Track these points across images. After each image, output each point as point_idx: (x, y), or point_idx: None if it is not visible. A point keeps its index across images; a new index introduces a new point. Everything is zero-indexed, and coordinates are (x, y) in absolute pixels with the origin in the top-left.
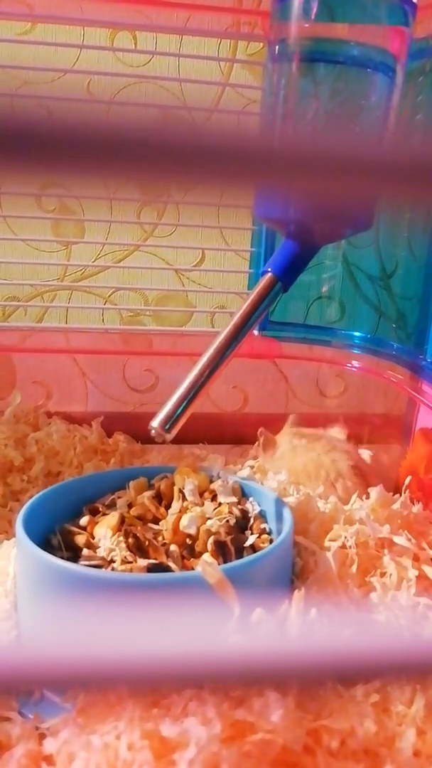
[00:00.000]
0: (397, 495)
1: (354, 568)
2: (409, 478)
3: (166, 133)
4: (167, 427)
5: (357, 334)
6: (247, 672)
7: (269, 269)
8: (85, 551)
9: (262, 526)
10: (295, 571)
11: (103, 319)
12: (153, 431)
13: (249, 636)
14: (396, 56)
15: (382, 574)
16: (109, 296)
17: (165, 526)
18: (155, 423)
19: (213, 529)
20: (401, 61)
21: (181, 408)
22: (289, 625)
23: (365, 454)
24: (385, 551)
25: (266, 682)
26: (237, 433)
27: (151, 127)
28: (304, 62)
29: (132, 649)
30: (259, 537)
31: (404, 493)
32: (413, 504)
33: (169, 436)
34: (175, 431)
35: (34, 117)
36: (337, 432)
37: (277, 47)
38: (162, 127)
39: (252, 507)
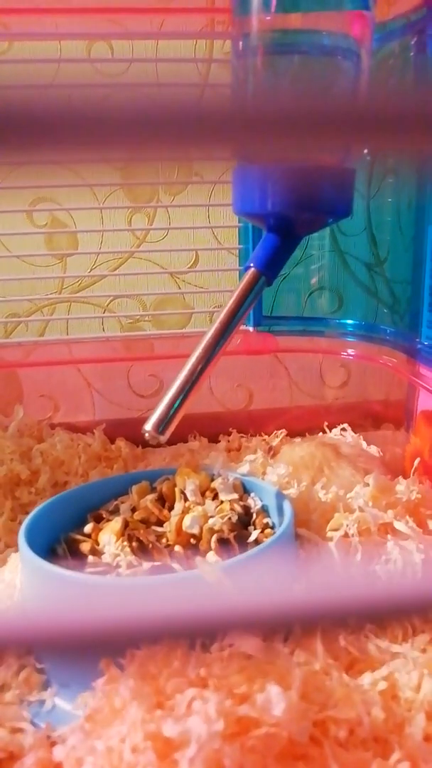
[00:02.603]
0: (399, 479)
1: (358, 556)
2: (417, 460)
3: (142, 107)
4: (161, 429)
5: (350, 321)
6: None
7: (251, 264)
8: (91, 558)
9: (265, 520)
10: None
11: (103, 328)
12: (147, 434)
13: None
14: (359, 41)
15: (387, 561)
16: (107, 305)
17: (168, 527)
18: (148, 426)
19: (216, 528)
20: (365, 46)
21: (174, 409)
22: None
23: (372, 448)
24: (389, 537)
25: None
26: (243, 431)
27: (127, 103)
28: (267, 55)
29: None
30: (262, 532)
31: (412, 476)
32: (421, 485)
33: (164, 438)
34: (168, 433)
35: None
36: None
37: (240, 43)
38: (138, 102)
39: (254, 502)
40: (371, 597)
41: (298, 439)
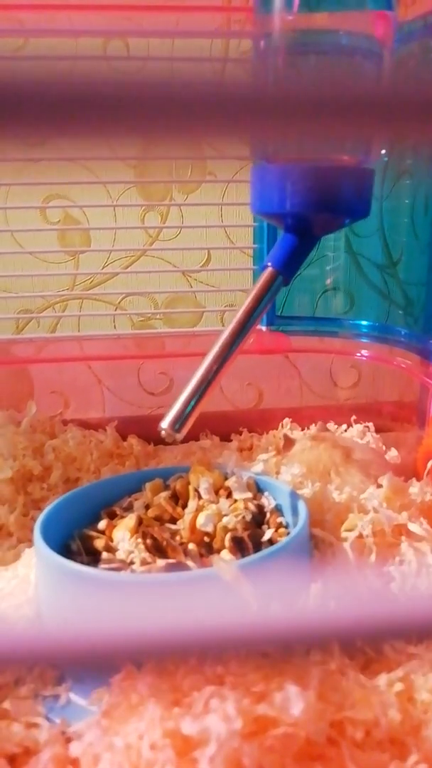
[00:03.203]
0: (413, 480)
1: (372, 557)
2: (431, 462)
3: (159, 87)
4: (177, 427)
5: (364, 323)
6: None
7: (269, 263)
8: (105, 555)
9: (279, 519)
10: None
11: (114, 326)
12: (163, 432)
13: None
14: (381, 41)
15: (401, 562)
16: (119, 302)
17: (182, 525)
18: (164, 424)
19: (230, 526)
20: (387, 46)
21: (190, 407)
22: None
23: (392, 452)
24: (403, 538)
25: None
26: (253, 430)
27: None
28: (289, 55)
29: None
30: (276, 531)
31: (426, 478)
32: None
33: (179, 436)
34: (185, 431)
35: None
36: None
37: (262, 42)
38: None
39: (267, 501)
40: (385, 614)
41: (313, 428)
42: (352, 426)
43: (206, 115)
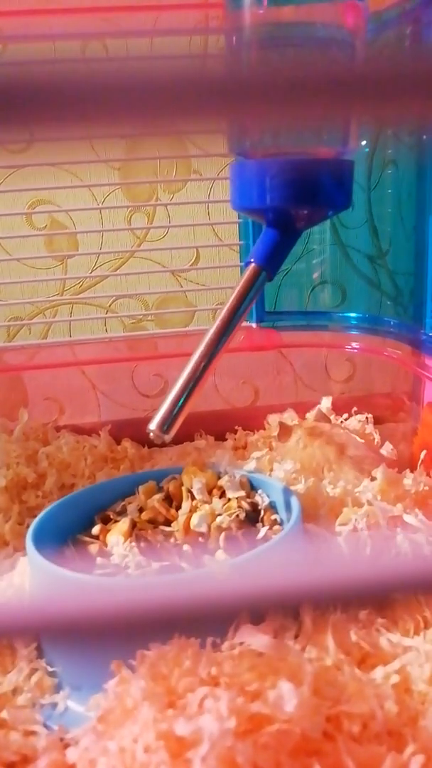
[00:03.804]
0: (407, 472)
1: (368, 550)
2: (424, 452)
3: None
4: (165, 428)
5: (353, 315)
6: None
7: (251, 259)
8: (99, 560)
9: (273, 517)
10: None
11: (106, 329)
12: (151, 434)
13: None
14: (353, 32)
15: (397, 555)
16: (109, 305)
17: (177, 527)
18: (153, 425)
19: (224, 525)
20: (360, 36)
21: (177, 408)
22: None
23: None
24: (398, 530)
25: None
26: (249, 428)
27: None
28: (261, 50)
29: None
30: (270, 528)
31: (420, 468)
32: (430, 477)
33: (168, 438)
34: (173, 432)
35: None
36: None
37: (234, 38)
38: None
39: (261, 499)
40: (378, 575)
41: (311, 415)
42: (352, 416)
43: (183, 100)
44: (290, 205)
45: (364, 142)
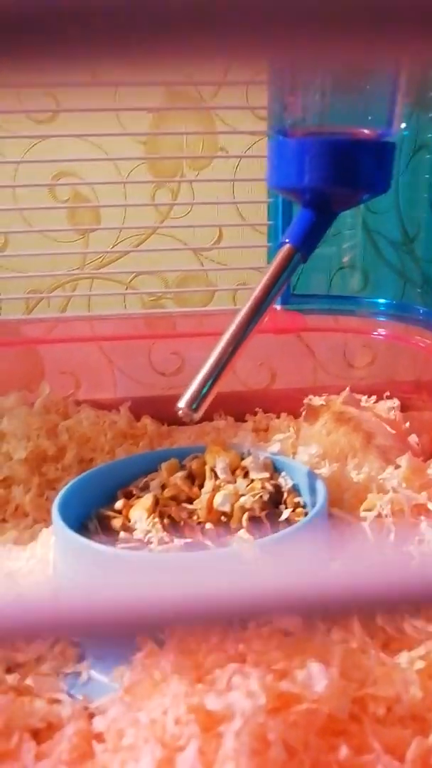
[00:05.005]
0: (430, 462)
1: (392, 537)
2: None
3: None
4: (194, 406)
5: (381, 301)
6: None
7: (287, 240)
8: (122, 534)
9: (296, 499)
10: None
11: (125, 305)
12: (180, 411)
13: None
14: None
15: (420, 542)
16: (129, 281)
17: (199, 505)
18: (182, 403)
19: (247, 506)
20: None
21: (207, 387)
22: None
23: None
24: (422, 518)
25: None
26: (267, 411)
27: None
28: None
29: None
30: (293, 511)
31: None
32: None
33: (197, 416)
34: (202, 410)
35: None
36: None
37: None
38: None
39: (285, 481)
40: (408, 580)
41: (339, 399)
42: (381, 400)
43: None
44: (329, 186)
45: (404, 125)
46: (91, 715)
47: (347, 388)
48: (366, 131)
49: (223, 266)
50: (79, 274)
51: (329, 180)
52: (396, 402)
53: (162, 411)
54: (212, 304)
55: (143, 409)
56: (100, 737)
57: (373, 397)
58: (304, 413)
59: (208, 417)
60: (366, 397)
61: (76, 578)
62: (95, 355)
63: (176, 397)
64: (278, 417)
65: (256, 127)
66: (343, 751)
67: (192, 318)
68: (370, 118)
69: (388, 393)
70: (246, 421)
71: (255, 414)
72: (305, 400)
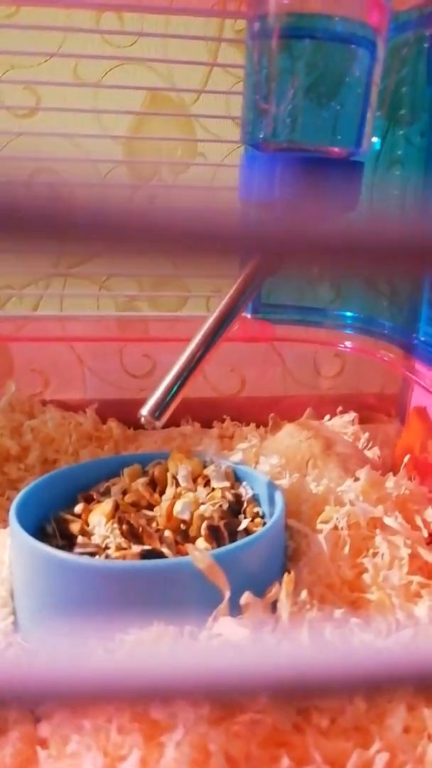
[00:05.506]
0: (389, 474)
1: (346, 549)
2: (407, 457)
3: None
4: (157, 414)
5: (349, 314)
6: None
7: None
8: (80, 539)
9: (255, 509)
10: (288, 554)
11: (98, 306)
12: (143, 419)
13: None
14: (376, 30)
15: (374, 554)
16: (103, 282)
17: (159, 512)
18: (145, 411)
19: (206, 514)
20: (382, 35)
21: (171, 395)
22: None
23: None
24: (377, 531)
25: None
26: (235, 418)
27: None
28: (282, 38)
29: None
30: (252, 521)
31: (402, 471)
32: (411, 481)
33: (159, 424)
34: (165, 418)
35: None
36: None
37: (256, 24)
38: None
39: (245, 491)
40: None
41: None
42: (337, 416)
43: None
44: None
45: (375, 139)
46: (38, 719)
47: (308, 409)
48: (336, 150)
49: (198, 272)
50: (53, 272)
51: (297, 195)
52: (353, 415)
53: (130, 414)
54: (186, 309)
55: (111, 411)
56: (44, 743)
57: (327, 416)
58: (270, 425)
59: (175, 422)
60: (328, 417)
61: (30, 581)
62: (66, 354)
63: (145, 401)
64: (246, 425)
65: (235, 136)
66: (285, 763)
67: (165, 322)
68: (339, 137)
69: (340, 408)
70: (213, 427)
71: (222, 421)
72: (271, 416)
